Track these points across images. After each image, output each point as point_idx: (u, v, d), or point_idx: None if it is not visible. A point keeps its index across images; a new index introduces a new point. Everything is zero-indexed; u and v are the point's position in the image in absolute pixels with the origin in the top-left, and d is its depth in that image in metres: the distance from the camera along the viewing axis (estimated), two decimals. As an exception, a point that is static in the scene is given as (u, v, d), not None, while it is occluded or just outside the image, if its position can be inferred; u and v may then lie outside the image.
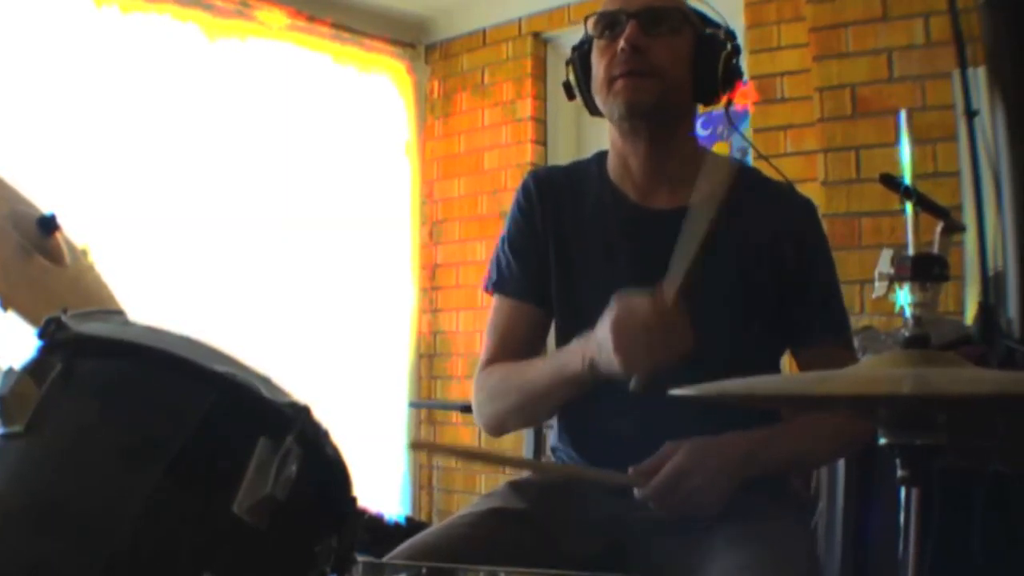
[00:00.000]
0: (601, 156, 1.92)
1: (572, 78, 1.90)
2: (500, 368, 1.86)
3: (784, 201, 1.86)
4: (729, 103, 1.86)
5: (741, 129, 3.93)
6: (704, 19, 1.85)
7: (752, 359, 1.57)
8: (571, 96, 1.92)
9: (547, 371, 1.77)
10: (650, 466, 1.62)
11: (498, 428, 1.89)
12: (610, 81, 1.77)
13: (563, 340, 1.86)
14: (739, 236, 1.75)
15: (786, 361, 1.98)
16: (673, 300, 1.54)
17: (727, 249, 1.72)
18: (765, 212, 1.80)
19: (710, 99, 1.84)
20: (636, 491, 1.62)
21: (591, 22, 1.83)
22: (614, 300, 1.58)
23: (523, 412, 1.87)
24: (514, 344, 1.88)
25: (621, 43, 1.74)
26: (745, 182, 1.81)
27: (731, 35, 1.85)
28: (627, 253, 1.81)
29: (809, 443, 1.77)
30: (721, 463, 1.62)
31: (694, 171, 1.65)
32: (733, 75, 1.82)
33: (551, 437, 1.97)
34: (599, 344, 1.59)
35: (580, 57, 1.87)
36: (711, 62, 1.79)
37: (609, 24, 1.80)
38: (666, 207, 1.80)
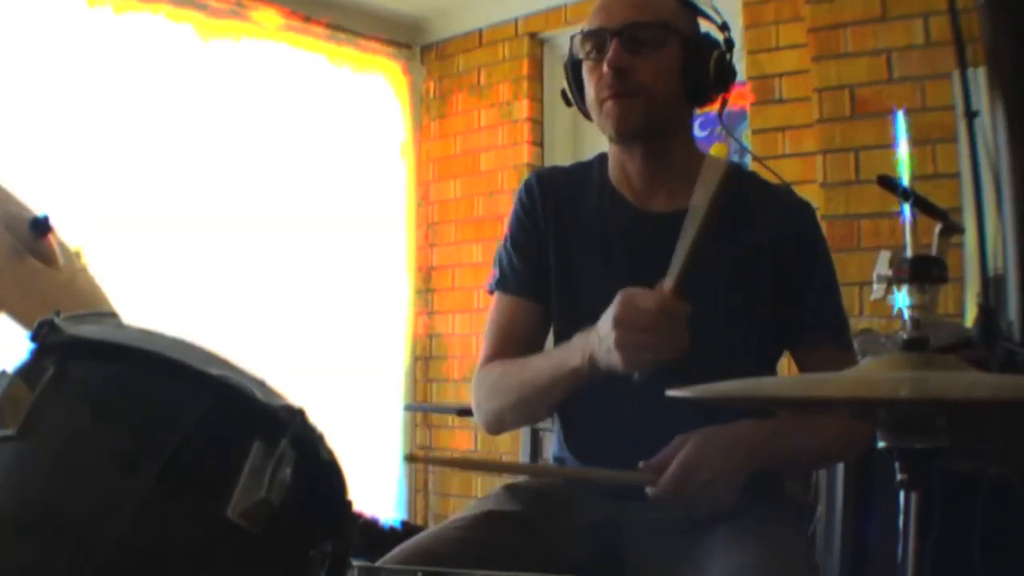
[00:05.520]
0: (603, 158, 1.92)
1: (568, 88, 1.89)
2: (499, 365, 1.85)
3: (783, 204, 1.85)
4: (724, 103, 1.85)
5: (740, 130, 3.93)
6: (696, 10, 1.83)
7: (750, 362, 1.57)
8: (569, 103, 1.91)
9: (547, 366, 1.75)
10: (660, 461, 1.59)
11: (497, 426, 1.88)
12: (600, 103, 1.78)
13: (561, 342, 1.85)
14: (737, 239, 1.75)
15: (784, 364, 1.97)
16: (674, 297, 1.53)
17: (725, 252, 1.71)
18: (763, 215, 1.80)
19: (704, 101, 1.84)
20: (648, 489, 1.59)
21: (577, 41, 1.82)
22: (618, 295, 1.56)
23: (523, 408, 1.85)
24: (514, 341, 1.87)
25: (604, 66, 1.74)
26: (743, 185, 1.81)
27: (724, 28, 1.83)
28: (625, 256, 1.81)
29: (817, 437, 1.74)
30: (731, 454, 1.60)
31: (692, 174, 1.64)
32: (726, 75, 1.81)
33: (553, 446, 1.96)
34: (600, 338, 1.58)
35: (573, 70, 1.86)
36: (702, 67, 1.78)
37: (594, 44, 1.79)
38: (664, 210, 1.81)
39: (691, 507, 1.59)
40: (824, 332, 1.80)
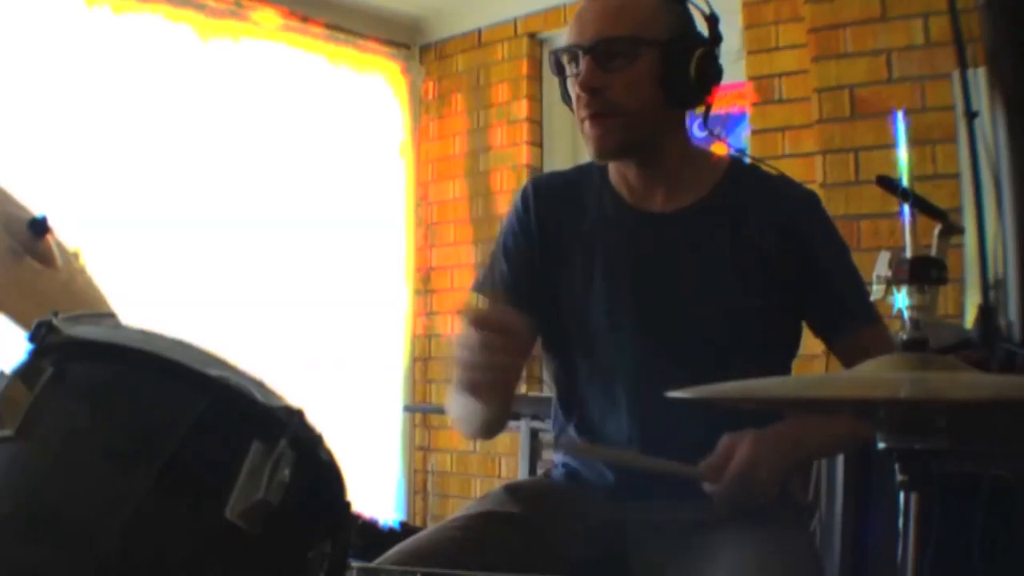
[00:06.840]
0: None
1: (563, 96, 1.87)
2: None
3: (784, 195, 1.83)
4: (708, 105, 1.80)
5: (740, 130, 3.93)
6: (681, 7, 1.78)
7: (759, 361, 1.55)
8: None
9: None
10: (717, 461, 1.60)
11: (465, 434, 1.91)
12: (580, 122, 1.76)
13: (552, 344, 1.84)
14: (740, 233, 1.73)
15: (795, 364, 1.95)
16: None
17: (725, 250, 1.70)
18: (766, 208, 1.78)
19: (690, 104, 1.79)
20: (706, 486, 1.62)
21: (559, 56, 1.80)
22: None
23: (464, 431, 1.91)
24: None
25: (577, 87, 1.72)
26: (744, 179, 1.80)
27: (712, 19, 1.79)
28: (626, 257, 1.80)
29: (841, 426, 1.74)
30: (780, 453, 1.63)
31: (689, 174, 1.63)
32: (709, 76, 1.75)
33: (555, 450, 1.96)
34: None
35: (562, 83, 1.84)
36: (682, 71, 1.72)
37: (570, 60, 1.77)
38: (664, 210, 1.80)
39: (740, 503, 1.61)
40: (851, 317, 1.78)
